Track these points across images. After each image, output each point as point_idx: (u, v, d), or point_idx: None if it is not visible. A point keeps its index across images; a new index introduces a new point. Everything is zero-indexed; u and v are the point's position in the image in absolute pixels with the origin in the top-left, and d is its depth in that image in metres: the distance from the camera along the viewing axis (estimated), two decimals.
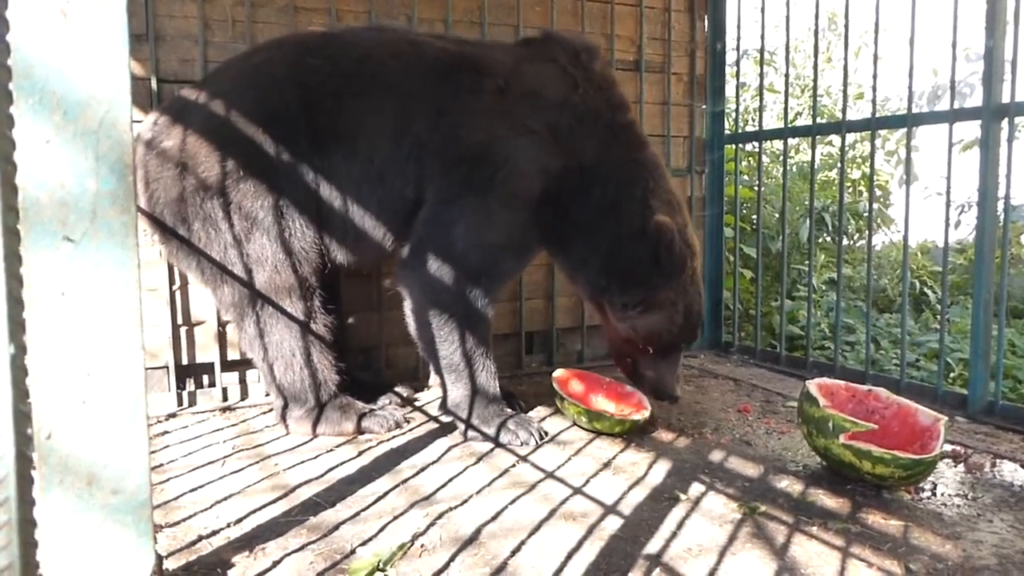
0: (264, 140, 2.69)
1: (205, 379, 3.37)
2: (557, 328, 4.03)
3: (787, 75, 4.11)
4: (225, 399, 3.33)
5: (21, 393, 0.99)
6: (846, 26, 3.73)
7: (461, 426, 2.84)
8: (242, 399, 3.36)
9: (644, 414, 2.89)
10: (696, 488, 2.37)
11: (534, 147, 2.75)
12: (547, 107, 2.79)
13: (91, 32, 1.33)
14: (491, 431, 2.79)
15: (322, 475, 2.46)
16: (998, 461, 2.62)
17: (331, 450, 2.71)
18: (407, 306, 2.85)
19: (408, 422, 3.00)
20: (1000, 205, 3.14)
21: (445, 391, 2.90)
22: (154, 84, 3.14)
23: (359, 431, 2.86)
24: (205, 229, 2.70)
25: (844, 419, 2.39)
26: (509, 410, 2.89)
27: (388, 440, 2.82)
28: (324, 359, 2.82)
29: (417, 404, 3.31)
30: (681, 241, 2.78)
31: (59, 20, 1.30)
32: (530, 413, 3.15)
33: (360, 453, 2.68)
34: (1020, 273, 5.89)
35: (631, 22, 4.09)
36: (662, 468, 2.54)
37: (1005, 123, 3.08)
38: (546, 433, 2.85)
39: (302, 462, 2.58)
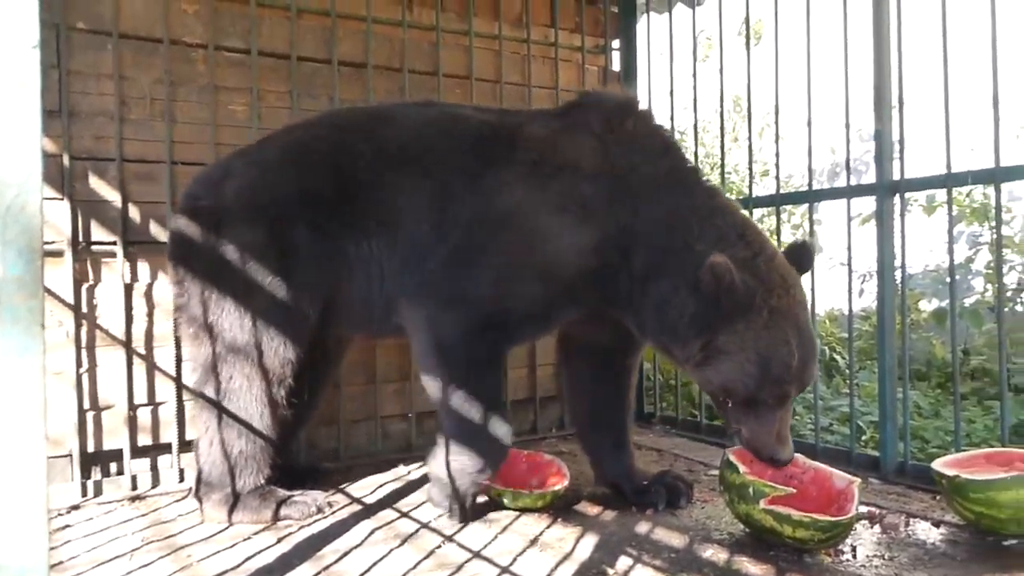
0: (292, 220, 2.71)
1: (112, 467, 3.18)
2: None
3: (696, 153, 4.32)
4: (134, 487, 3.15)
5: None
6: (749, 108, 3.96)
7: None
8: (153, 487, 3.19)
9: (564, 483, 2.87)
10: (624, 562, 2.35)
11: (566, 226, 2.61)
12: (579, 180, 2.65)
13: (1, 114, 1.30)
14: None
15: (239, 565, 2.34)
16: (911, 520, 2.71)
17: (248, 538, 2.59)
18: (417, 350, 2.73)
19: (331, 506, 2.89)
20: (898, 274, 3.33)
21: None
22: (66, 161, 3.06)
23: (278, 518, 2.74)
24: (202, 291, 2.70)
25: (764, 484, 2.44)
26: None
27: (309, 525, 2.72)
28: (262, 452, 2.73)
29: (341, 486, 3.21)
30: (748, 274, 2.40)
31: None
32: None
33: (280, 540, 2.57)
34: (921, 338, 6.20)
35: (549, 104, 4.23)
36: (589, 542, 2.52)
37: (897, 198, 3.30)
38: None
39: (217, 552, 2.45)
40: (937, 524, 2.66)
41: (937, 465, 2.67)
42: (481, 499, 2.97)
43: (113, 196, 3.16)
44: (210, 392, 2.71)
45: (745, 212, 2.73)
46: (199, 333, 2.73)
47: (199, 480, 2.78)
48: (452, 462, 2.63)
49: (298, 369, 2.77)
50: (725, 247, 2.47)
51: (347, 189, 2.76)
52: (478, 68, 4.06)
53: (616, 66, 4.61)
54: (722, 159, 4.17)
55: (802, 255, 2.66)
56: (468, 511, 2.72)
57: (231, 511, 2.72)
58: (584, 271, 2.61)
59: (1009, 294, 5.72)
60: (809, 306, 2.59)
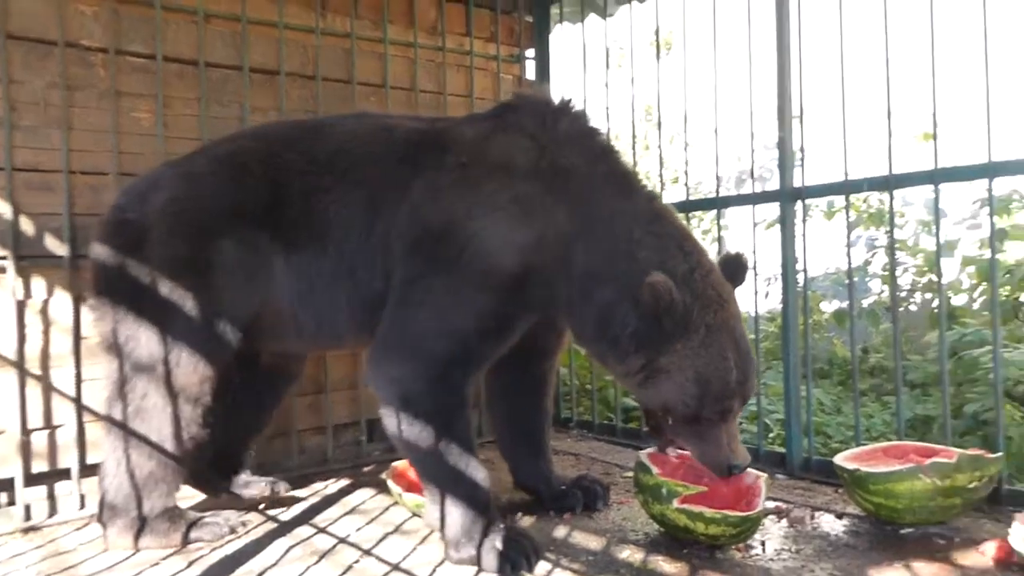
0: (218, 233, 2.63)
1: (3, 497, 2.99)
2: None
3: None
4: (28, 518, 2.96)
5: None
6: (659, 117, 4.07)
7: (444, 548, 2.48)
8: (50, 516, 3.01)
9: None
10: (542, 567, 2.37)
11: (501, 223, 2.51)
12: (513, 179, 2.56)
13: None
14: (471, 553, 2.37)
15: None
16: (816, 513, 2.82)
17: (156, 563, 2.48)
18: (380, 408, 2.51)
19: (244, 526, 2.81)
20: (800, 277, 3.47)
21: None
22: None
23: (188, 542, 2.64)
24: (123, 306, 2.60)
25: (676, 484, 2.50)
26: (500, 526, 2.45)
27: (222, 547, 2.63)
28: (173, 473, 2.63)
29: (256, 504, 3.11)
30: (687, 291, 2.36)
31: None
32: (371, 503, 3.05)
33: (190, 564, 2.47)
34: (823, 338, 6.48)
35: (464, 113, 4.23)
36: None
37: (799, 204, 3.44)
38: (539, 555, 2.42)
39: None
40: (840, 516, 2.78)
41: (839, 459, 2.79)
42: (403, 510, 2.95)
43: (2, 207, 2.99)
44: (122, 410, 2.59)
45: (683, 219, 2.71)
46: (114, 349, 2.63)
47: (103, 504, 2.64)
48: (452, 515, 2.41)
49: (217, 386, 2.68)
50: (666, 258, 2.43)
51: (276, 201, 2.69)
52: (393, 76, 4.03)
53: (530, 75, 4.66)
54: (633, 166, 4.25)
55: (735, 268, 2.63)
56: (501, 551, 2.34)
57: (137, 536, 2.60)
58: (525, 271, 2.50)
59: (903, 295, 6.04)
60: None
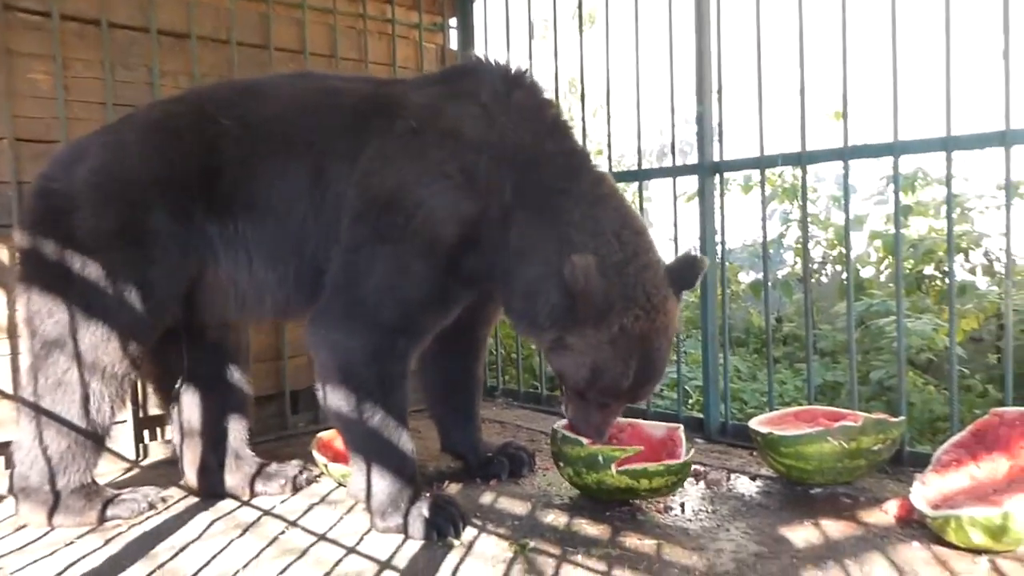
0: (146, 204, 2.52)
1: None
2: None
3: None
4: None
5: None
6: (582, 90, 4.10)
7: (370, 517, 2.49)
8: None
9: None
10: (469, 532, 2.41)
11: (448, 192, 2.46)
12: (462, 148, 2.50)
13: None
14: (397, 522, 2.41)
15: (60, 572, 2.18)
16: (731, 475, 2.95)
17: (72, 542, 2.41)
18: (317, 373, 2.50)
19: (164, 502, 2.75)
20: (719, 249, 3.58)
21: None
22: None
23: (105, 519, 2.57)
24: (46, 280, 2.50)
25: (611, 449, 2.55)
26: (426, 494, 2.50)
27: (141, 523, 2.57)
28: (92, 450, 2.56)
29: (176, 480, 3.04)
30: (617, 282, 2.35)
31: None
32: (303, 475, 3.02)
33: (107, 541, 2.42)
34: (740, 307, 6.72)
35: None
36: None
37: (717, 178, 3.54)
38: (465, 521, 2.46)
39: (35, 561, 2.28)
40: (754, 478, 2.92)
41: (753, 424, 2.91)
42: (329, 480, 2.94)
43: None
44: (41, 385, 2.49)
45: (632, 205, 2.65)
46: (35, 321, 2.52)
47: (14, 479, 2.55)
48: (379, 484, 2.43)
49: (142, 359, 2.62)
50: (599, 244, 2.39)
51: (209, 169, 2.58)
52: (312, 42, 3.93)
53: (453, 45, 4.62)
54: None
55: (687, 271, 2.57)
56: (428, 519, 2.39)
57: (51, 513, 2.52)
58: (469, 241, 2.47)
59: (815, 267, 6.30)
60: (673, 328, 2.52)
